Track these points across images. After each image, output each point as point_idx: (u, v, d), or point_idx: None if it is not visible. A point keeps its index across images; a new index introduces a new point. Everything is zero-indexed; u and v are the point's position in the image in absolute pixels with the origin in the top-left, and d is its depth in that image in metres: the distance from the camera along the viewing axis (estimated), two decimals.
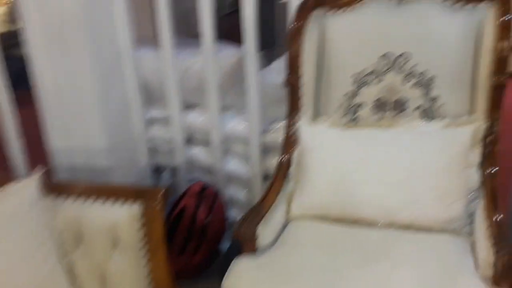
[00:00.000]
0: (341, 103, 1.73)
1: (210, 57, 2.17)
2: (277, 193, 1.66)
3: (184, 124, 2.37)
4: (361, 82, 1.69)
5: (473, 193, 1.50)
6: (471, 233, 1.47)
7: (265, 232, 1.53)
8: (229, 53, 2.22)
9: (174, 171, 2.49)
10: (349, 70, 1.71)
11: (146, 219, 1.46)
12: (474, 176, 1.51)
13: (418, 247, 1.44)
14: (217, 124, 2.28)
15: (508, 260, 1.21)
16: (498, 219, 1.36)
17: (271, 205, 1.61)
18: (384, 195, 1.54)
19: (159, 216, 1.45)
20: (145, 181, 2.49)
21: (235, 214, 2.40)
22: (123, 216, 1.48)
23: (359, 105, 1.71)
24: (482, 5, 1.58)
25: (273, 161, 2.24)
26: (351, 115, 1.72)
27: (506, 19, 1.47)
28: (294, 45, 1.71)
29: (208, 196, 2.23)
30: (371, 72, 1.68)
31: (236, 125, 2.29)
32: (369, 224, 1.55)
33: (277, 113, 2.24)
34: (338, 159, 1.62)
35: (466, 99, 1.61)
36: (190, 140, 2.43)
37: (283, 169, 1.73)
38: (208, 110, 2.27)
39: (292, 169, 1.73)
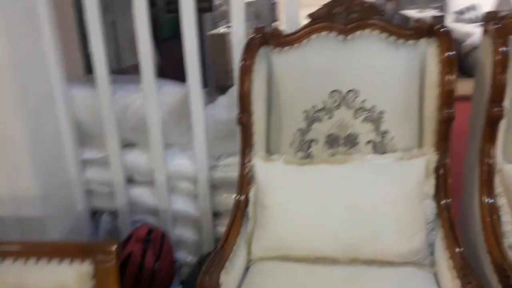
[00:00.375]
0: (294, 140, 1.69)
1: (151, 95, 2.06)
2: (237, 235, 1.57)
3: (124, 164, 2.22)
4: (313, 118, 1.67)
5: (430, 224, 1.51)
6: (432, 264, 1.48)
7: (229, 279, 1.43)
8: (171, 89, 2.12)
9: (115, 214, 2.32)
10: (300, 106, 1.68)
11: (99, 279, 1.31)
12: (430, 207, 1.52)
13: (385, 282, 1.41)
14: (161, 162, 2.15)
15: None
16: (459, 251, 1.37)
17: (232, 249, 1.52)
18: (345, 231, 1.50)
19: (114, 274, 1.30)
20: (82, 228, 2.28)
21: (184, 256, 2.27)
22: (72, 277, 1.32)
23: (311, 141, 1.68)
24: (423, 41, 1.63)
25: (223, 198, 2.17)
26: (305, 151, 1.69)
27: (450, 54, 1.51)
28: (244, 83, 1.66)
29: (154, 239, 2.08)
30: (322, 108, 1.66)
31: (181, 162, 2.18)
32: (332, 261, 1.50)
33: (225, 149, 2.18)
34: (295, 196, 1.57)
35: (415, 133, 1.63)
36: (131, 180, 2.27)
37: (241, 209, 1.64)
38: (151, 148, 2.15)
39: (249, 208, 1.65)
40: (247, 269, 1.57)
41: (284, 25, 1.95)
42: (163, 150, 2.14)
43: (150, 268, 2.00)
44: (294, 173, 1.63)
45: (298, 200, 1.56)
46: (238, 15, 1.90)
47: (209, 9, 5.14)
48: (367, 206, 1.52)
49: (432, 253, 1.49)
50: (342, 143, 1.66)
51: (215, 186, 2.17)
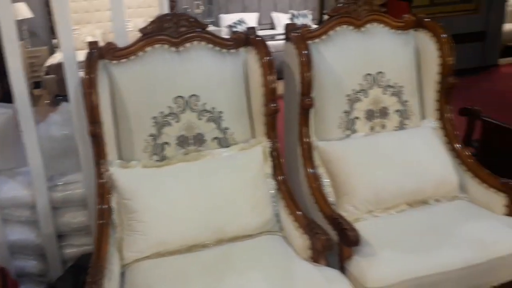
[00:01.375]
0: (147, 145, 1.77)
1: None
2: (108, 243, 1.58)
3: None
4: (162, 123, 1.78)
5: (273, 198, 1.80)
6: (281, 229, 1.76)
7: (111, 285, 1.45)
8: None
9: None
10: (148, 113, 1.77)
11: None
12: (271, 184, 1.81)
13: (250, 252, 1.63)
14: None
15: (326, 241, 1.54)
16: (300, 214, 1.69)
17: (106, 258, 1.52)
18: (209, 218, 1.67)
19: None
20: None
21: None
22: None
23: (164, 144, 1.79)
24: (242, 49, 1.90)
25: (67, 218, 2.08)
26: (159, 154, 1.79)
27: (268, 58, 1.82)
28: (91, 96, 1.67)
29: None
30: (169, 114, 1.79)
31: (12, 188, 2.01)
32: (202, 247, 1.66)
33: (61, 168, 2.09)
34: (160, 196, 1.66)
35: (248, 126, 1.89)
36: None
37: (105, 218, 1.65)
38: None
39: (114, 216, 1.67)
40: (122, 274, 1.60)
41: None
42: None
43: None
44: (154, 175, 1.72)
45: (163, 199, 1.66)
46: (66, 33, 1.87)
47: None
48: (223, 192, 1.71)
49: (278, 221, 1.78)
50: (192, 142, 1.82)
51: (55, 208, 2.06)
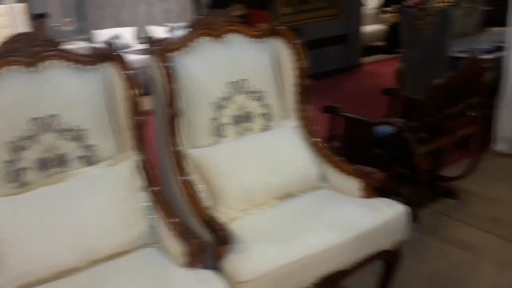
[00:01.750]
0: (2, 172, 1.65)
1: None
2: None
3: None
4: (18, 147, 1.67)
5: (148, 210, 1.79)
6: (159, 241, 1.76)
7: None
8: None
9: None
10: (2, 138, 1.66)
11: None
12: (143, 197, 1.80)
13: (125, 269, 1.60)
14: None
15: (198, 244, 1.57)
16: (176, 221, 1.71)
17: None
18: (75, 241, 1.60)
19: None
20: None
21: None
22: None
23: (21, 170, 1.67)
24: (104, 64, 1.87)
25: None
26: (17, 181, 1.67)
27: (128, 72, 1.82)
28: None
29: None
30: (26, 136, 1.68)
31: None
32: (73, 271, 1.59)
33: None
34: (18, 225, 1.57)
35: (116, 141, 1.85)
36: None
37: None
38: None
39: None
40: None
41: None
42: None
43: None
44: (11, 203, 1.61)
45: (22, 227, 1.57)
46: None
47: None
48: (90, 212, 1.66)
49: (156, 232, 1.78)
50: (55, 164, 1.73)
51: None
